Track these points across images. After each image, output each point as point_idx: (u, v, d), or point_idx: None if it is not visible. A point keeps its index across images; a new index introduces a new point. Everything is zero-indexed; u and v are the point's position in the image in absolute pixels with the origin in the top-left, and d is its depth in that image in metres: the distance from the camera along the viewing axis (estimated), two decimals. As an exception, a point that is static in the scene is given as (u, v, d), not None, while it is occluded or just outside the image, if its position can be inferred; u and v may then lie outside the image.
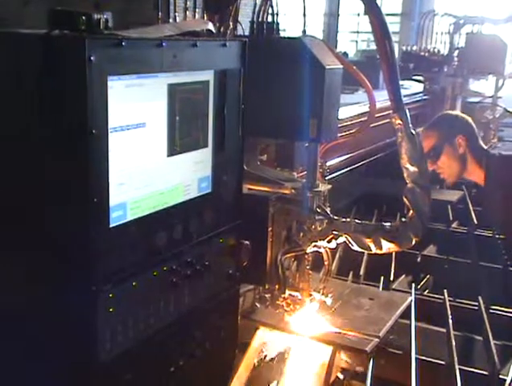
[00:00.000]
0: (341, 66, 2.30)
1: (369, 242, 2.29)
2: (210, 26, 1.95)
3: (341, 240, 2.32)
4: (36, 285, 1.55)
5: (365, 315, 2.51)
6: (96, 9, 1.61)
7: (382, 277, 3.31)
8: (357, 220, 2.35)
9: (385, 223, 2.32)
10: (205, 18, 2.50)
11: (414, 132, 2.29)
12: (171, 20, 2.57)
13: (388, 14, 14.10)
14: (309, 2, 2.52)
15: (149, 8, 2.72)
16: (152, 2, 2.61)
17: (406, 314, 2.70)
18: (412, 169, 2.27)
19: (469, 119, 3.29)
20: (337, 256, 3.45)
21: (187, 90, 1.72)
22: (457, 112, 4.24)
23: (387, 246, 2.28)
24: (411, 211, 2.28)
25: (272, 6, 2.50)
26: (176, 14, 2.64)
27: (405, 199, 2.29)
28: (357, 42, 16.07)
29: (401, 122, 2.29)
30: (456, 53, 6.57)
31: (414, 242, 2.30)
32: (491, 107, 6.48)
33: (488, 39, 6.36)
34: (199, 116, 1.80)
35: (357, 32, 16.06)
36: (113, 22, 1.61)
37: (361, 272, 3.39)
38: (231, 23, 2.52)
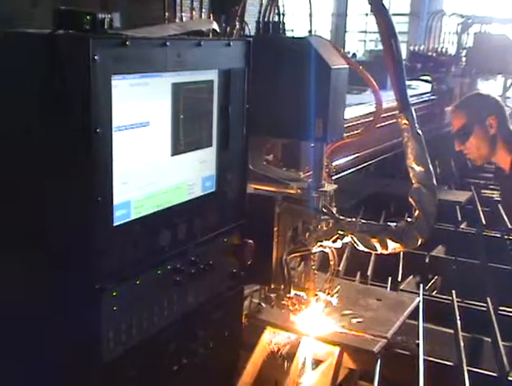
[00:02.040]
0: (347, 66, 2.30)
1: (374, 242, 2.28)
2: (215, 25, 1.95)
3: (347, 239, 2.32)
4: (39, 284, 1.56)
5: (372, 316, 2.51)
6: (103, 9, 1.61)
7: (390, 278, 3.29)
8: (362, 220, 2.34)
9: (391, 224, 2.31)
10: (211, 18, 2.51)
11: (420, 131, 2.29)
12: (177, 20, 2.58)
13: (396, 14, 14.09)
14: (317, 2, 2.53)
15: (156, 8, 2.73)
16: (160, 3, 2.61)
17: (414, 315, 2.68)
18: (418, 169, 2.27)
19: (500, 100, 3.18)
20: (345, 256, 3.43)
21: (191, 89, 1.72)
22: (488, 92, 3.98)
23: (393, 246, 2.28)
24: (417, 212, 2.27)
25: (278, 6, 2.51)
26: (183, 14, 2.65)
27: (411, 200, 2.28)
28: (365, 41, 16.07)
29: (407, 122, 2.28)
30: (463, 53, 6.53)
31: (420, 242, 2.29)
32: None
33: (496, 39, 6.31)
34: (203, 115, 1.80)
35: (365, 32, 16.05)
36: (121, 23, 1.62)
37: (369, 272, 3.37)
38: (237, 23, 2.53)
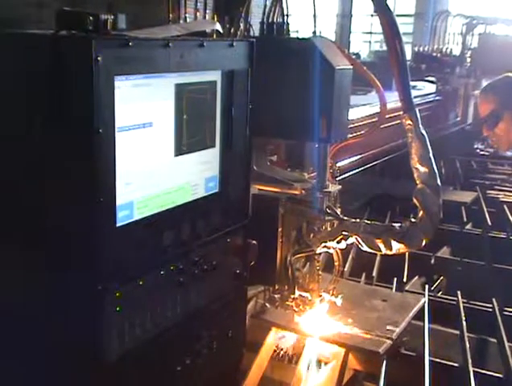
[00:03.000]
0: (351, 66, 2.29)
1: (378, 243, 2.27)
2: (218, 26, 1.95)
3: (351, 240, 2.31)
4: (42, 285, 1.56)
5: (377, 317, 2.50)
6: (109, 11, 1.62)
7: (395, 279, 3.28)
8: (366, 221, 2.34)
9: (395, 224, 2.31)
10: (215, 19, 2.51)
11: (424, 132, 2.28)
12: (181, 21, 2.58)
13: (401, 15, 14.07)
14: (322, 3, 2.52)
15: (162, 10, 2.73)
16: (165, 4, 2.62)
17: (419, 316, 2.67)
18: (422, 169, 2.26)
19: None
20: (350, 257, 3.43)
21: (194, 90, 1.72)
22: None
23: (397, 247, 2.27)
24: (421, 212, 2.26)
25: (282, 7, 2.51)
26: (187, 15, 2.65)
27: (415, 200, 2.27)
28: (370, 42, 16.06)
29: (411, 122, 2.28)
30: (468, 53, 6.52)
31: (424, 243, 2.28)
32: (504, 107, 6.39)
33: (501, 40, 6.30)
34: (206, 116, 1.80)
35: (370, 33, 16.04)
36: (127, 24, 1.62)
37: (374, 273, 3.37)
38: (241, 24, 2.53)
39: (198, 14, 2.71)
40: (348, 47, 13.32)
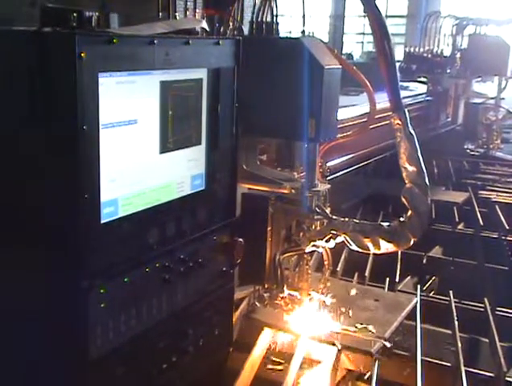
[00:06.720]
0: (340, 66, 2.29)
1: (367, 242, 2.28)
2: (204, 24, 1.95)
3: (340, 239, 2.31)
4: (27, 281, 1.55)
5: (370, 316, 2.50)
6: (101, 10, 1.62)
7: (388, 278, 3.28)
8: (355, 220, 2.34)
9: (383, 223, 2.31)
10: (205, 17, 2.51)
11: (412, 131, 2.28)
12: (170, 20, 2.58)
13: (394, 16, 14.11)
14: (315, 4, 2.53)
15: (153, 9, 2.73)
16: (156, 4, 2.61)
17: (411, 316, 2.67)
18: (411, 168, 2.26)
19: None
20: (343, 257, 3.43)
21: (179, 88, 1.72)
22: None
23: (385, 246, 2.27)
24: (410, 211, 2.26)
25: (272, 7, 2.51)
26: (177, 14, 2.65)
27: (403, 199, 2.28)
28: (362, 43, 16.08)
29: (400, 122, 2.28)
30: (458, 54, 6.54)
31: (412, 242, 2.28)
32: (494, 108, 6.46)
33: (491, 40, 6.32)
34: (192, 113, 1.80)
35: (363, 34, 16.06)
36: (119, 23, 1.61)
37: (367, 273, 3.37)
38: (231, 23, 2.53)
39: (188, 12, 2.70)
40: (341, 48, 13.31)
